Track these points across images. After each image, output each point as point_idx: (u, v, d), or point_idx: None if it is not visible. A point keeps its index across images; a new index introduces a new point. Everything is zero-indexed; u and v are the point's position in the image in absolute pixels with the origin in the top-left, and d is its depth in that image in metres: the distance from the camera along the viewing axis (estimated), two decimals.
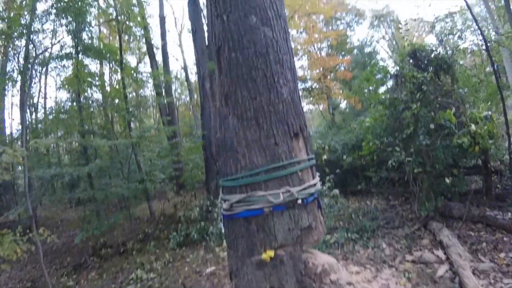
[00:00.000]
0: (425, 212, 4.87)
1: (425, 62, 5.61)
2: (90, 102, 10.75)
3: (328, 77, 19.08)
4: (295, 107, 2.27)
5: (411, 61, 5.79)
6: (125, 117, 10.74)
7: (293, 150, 2.17)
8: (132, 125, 12.97)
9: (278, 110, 2.16)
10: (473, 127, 4.21)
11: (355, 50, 21.32)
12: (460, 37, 7.43)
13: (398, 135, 5.29)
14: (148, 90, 19.52)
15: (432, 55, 5.48)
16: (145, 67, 20.69)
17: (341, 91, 19.27)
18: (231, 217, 2.15)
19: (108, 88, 13.67)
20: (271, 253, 2.05)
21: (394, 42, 27.99)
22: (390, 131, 5.59)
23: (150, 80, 12.62)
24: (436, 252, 3.99)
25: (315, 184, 2.32)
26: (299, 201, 2.08)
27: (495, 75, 5.16)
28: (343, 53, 21.17)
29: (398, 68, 5.88)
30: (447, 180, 4.43)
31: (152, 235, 8.13)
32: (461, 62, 6.21)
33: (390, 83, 6.63)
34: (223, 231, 2.43)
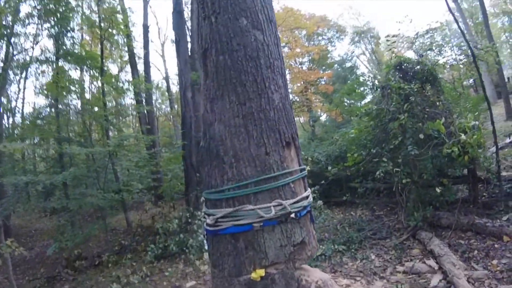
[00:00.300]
0: (414, 222, 4.82)
1: (411, 74, 5.67)
2: (68, 108, 10.34)
3: (309, 90, 19.34)
4: (286, 115, 2.13)
5: (397, 73, 5.83)
6: (103, 125, 10.38)
7: (285, 160, 2.02)
8: (110, 133, 12.58)
9: (269, 117, 2.01)
10: (463, 136, 4.22)
11: (336, 65, 21.92)
12: (439, 52, 7.62)
13: (385, 145, 5.27)
14: (128, 99, 19.26)
15: (418, 67, 5.54)
16: (126, 76, 20.38)
17: (322, 104, 19.55)
18: (216, 234, 1.96)
19: (87, 96, 13.37)
20: (261, 272, 1.88)
21: (374, 57, 28.85)
22: (377, 142, 5.57)
23: (131, 89, 12.34)
24: (427, 262, 3.92)
25: (307, 197, 2.18)
26: (292, 215, 1.93)
27: (482, 85, 5.26)
28: (323, 67, 21.67)
29: (379, 80, 5.92)
30: (438, 190, 4.40)
31: (128, 247, 7.88)
32: (440, 76, 6.34)
33: (371, 96, 6.66)
34: (206, 247, 2.23)
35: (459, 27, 5.84)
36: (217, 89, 2.08)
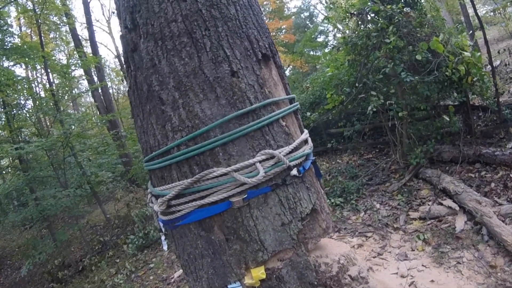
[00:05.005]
0: (416, 160, 4.26)
1: None
2: (19, 109, 8.89)
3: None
4: (256, 15, 1.30)
5: None
6: (56, 117, 9.08)
7: (265, 83, 1.21)
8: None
9: (228, 15, 1.17)
10: (467, 53, 3.54)
11: (293, 17, 21.30)
12: None
13: (372, 77, 4.56)
14: (83, 88, 17.73)
15: None
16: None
17: (285, 56, 18.77)
18: (175, 225, 1.16)
19: (42, 93, 11.98)
20: (259, 271, 1.14)
21: (331, 5, 28.15)
22: (360, 76, 4.85)
23: (79, 67, 10.88)
24: (444, 202, 3.37)
25: (307, 140, 1.41)
26: (294, 171, 1.16)
27: (474, 9, 4.62)
28: (281, 20, 20.89)
29: (353, 4, 5.13)
30: (446, 118, 3.79)
31: (109, 243, 7.31)
32: None
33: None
34: (165, 247, 1.44)
35: None
36: None
